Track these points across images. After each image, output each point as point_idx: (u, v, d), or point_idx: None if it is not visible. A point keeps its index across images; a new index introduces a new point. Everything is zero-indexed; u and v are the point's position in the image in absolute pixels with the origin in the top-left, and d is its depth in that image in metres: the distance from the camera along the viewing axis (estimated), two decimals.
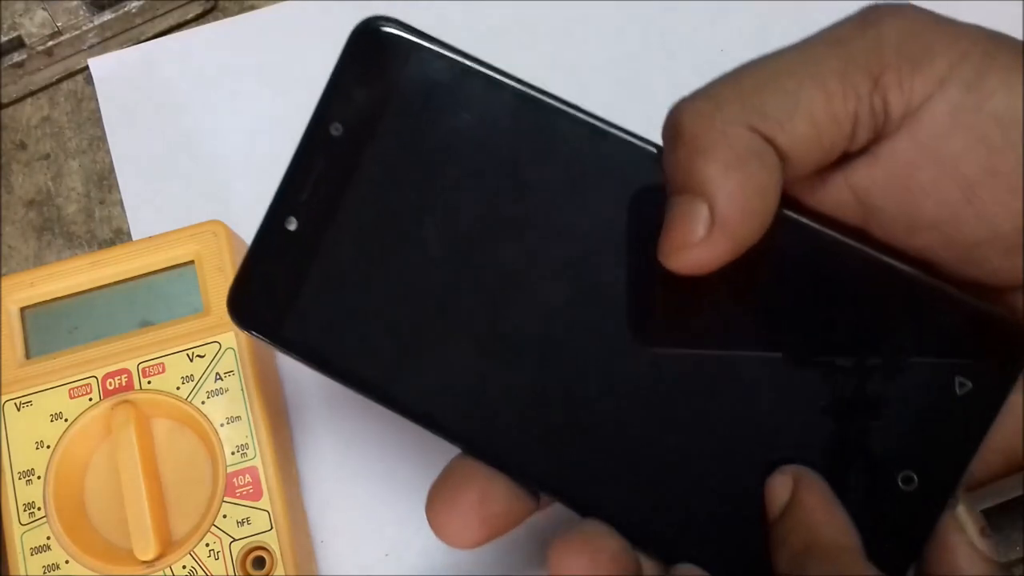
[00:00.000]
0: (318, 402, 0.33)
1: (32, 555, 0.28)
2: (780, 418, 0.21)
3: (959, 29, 0.20)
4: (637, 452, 0.22)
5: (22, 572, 0.28)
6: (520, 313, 0.22)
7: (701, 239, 0.19)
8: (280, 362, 0.33)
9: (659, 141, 0.21)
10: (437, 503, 0.21)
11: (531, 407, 0.22)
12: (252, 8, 0.37)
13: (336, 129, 0.22)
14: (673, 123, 0.20)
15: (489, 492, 0.21)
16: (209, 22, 0.37)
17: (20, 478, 0.29)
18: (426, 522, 0.32)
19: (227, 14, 0.37)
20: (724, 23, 0.36)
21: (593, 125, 0.22)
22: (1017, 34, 0.21)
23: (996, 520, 0.32)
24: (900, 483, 0.21)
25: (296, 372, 0.33)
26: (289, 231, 0.22)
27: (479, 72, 0.22)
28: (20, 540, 0.28)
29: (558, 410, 0.22)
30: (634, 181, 0.21)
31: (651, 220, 0.21)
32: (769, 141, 0.19)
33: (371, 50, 0.22)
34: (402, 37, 0.22)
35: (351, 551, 0.32)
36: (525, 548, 0.32)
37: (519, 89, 0.22)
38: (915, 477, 0.21)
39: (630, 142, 0.22)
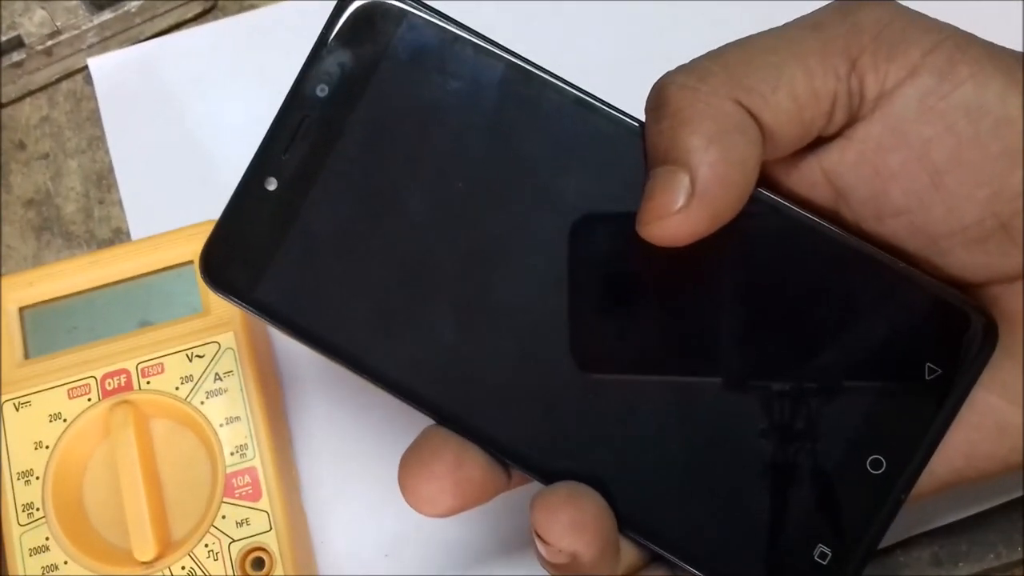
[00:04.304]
0: (318, 402, 0.33)
1: (31, 556, 0.28)
2: (752, 396, 0.21)
3: (932, 23, 0.20)
4: (610, 429, 0.22)
5: (21, 573, 0.28)
6: (497, 285, 0.22)
7: (680, 209, 0.19)
8: (280, 362, 0.33)
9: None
10: (411, 468, 0.21)
11: (507, 379, 0.22)
12: (252, 8, 0.37)
13: (322, 90, 0.22)
14: (657, 95, 0.21)
15: (464, 459, 0.21)
16: (209, 21, 0.37)
17: (19, 478, 0.29)
18: (426, 522, 0.32)
19: (227, 13, 0.37)
20: (726, 28, 0.36)
21: (578, 98, 0.22)
22: (1017, 34, 0.21)
23: (996, 520, 0.32)
24: (868, 467, 0.21)
25: (296, 372, 0.33)
26: (268, 191, 0.22)
27: (467, 40, 0.22)
28: (19, 541, 0.28)
29: (534, 383, 0.22)
30: (617, 154, 0.22)
31: (631, 194, 0.21)
32: (752, 115, 0.20)
33: (361, 12, 0.22)
34: (393, 2, 0.22)
35: (350, 552, 0.32)
36: (528, 547, 0.32)
37: (506, 59, 0.22)
38: (883, 461, 0.21)
39: (615, 116, 0.22)
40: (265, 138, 0.22)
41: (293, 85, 0.22)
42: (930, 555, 0.32)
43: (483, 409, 0.22)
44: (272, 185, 0.22)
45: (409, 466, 0.21)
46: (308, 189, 0.22)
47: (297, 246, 0.22)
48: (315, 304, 0.22)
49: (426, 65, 0.22)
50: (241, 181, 0.22)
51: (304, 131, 0.22)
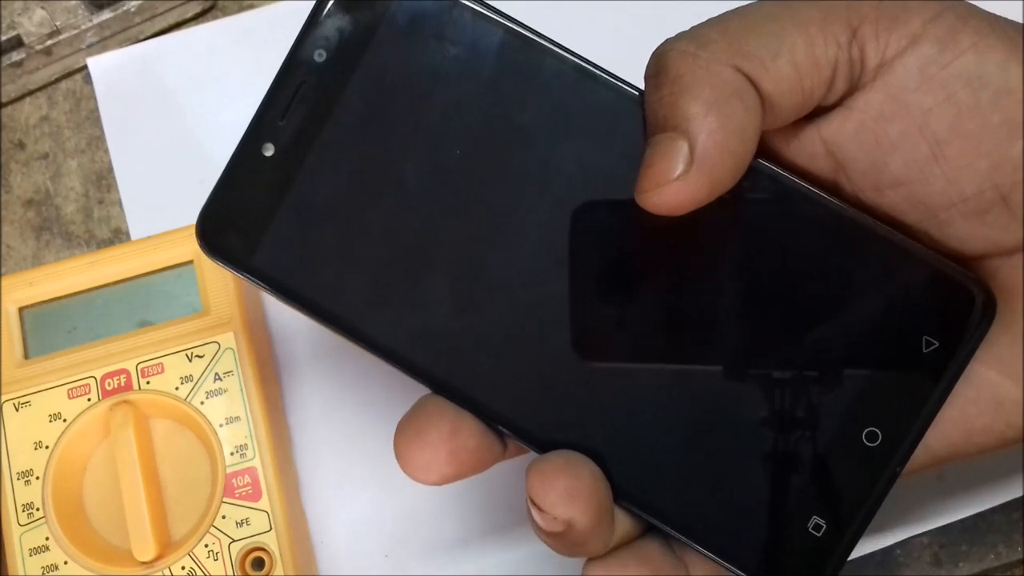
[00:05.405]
0: (317, 402, 0.33)
1: (31, 556, 0.28)
2: (748, 368, 0.21)
3: None
4: (606, 400, 0.21)
5: (21, 573, 0.28)
6: (495, 255, 0.22)
7: (679, 176, 0.19)
8: (279, 362, 0.33)
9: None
10: (406, 435, 0.21)
11: (503, 349, 0.22)
12: (251, 7, 0.37)
13: (319, 55, 0.22)
14: (657, 61, 0.20)
15: (460, 428, 0.21)
16: (208, 21, 0.37)
17: (19, 478, 0.29)
18: (426, 523, 0.32)
19: (226, 13, 0.37)
20: None
21: (578, 65, 0.22)
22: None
23: (996, 520, 0.32)
24: (864, 439, 0.21)
25: (296, 372, 0.33)
26: (265, 156, 0.22)
27: (466, 6, 0.22)
28: (19, 541, 0.28)
29: (531, 354, 0.22)
30: (617, 123, 0.21)
31: (630, 164, 0.21)
32: (752, 82, 0.20)
33: None
34: None
35: (350, 552, 0.32)
36: (529, 550, 0.32)
37: (506, 25, 0.22)
38: (879, 433, 0.21)
39: (615, 84, 0.21)
40: (261, 104, 0.22)
41: (290, 50, 0.22)
42: (930, 555, 0.32)
43: (479, 378, 0.22)
44: (269, 151, 0.22)
45: (405, 434, 0.21)
46: (305, 155, 0.22)
47: (294, 213, 0.22)
48: (312, 271, 0.22)
49: (425, 31, 0.22)
50: (237, 147, 0.22)
51: (301, 97, 0.22)
